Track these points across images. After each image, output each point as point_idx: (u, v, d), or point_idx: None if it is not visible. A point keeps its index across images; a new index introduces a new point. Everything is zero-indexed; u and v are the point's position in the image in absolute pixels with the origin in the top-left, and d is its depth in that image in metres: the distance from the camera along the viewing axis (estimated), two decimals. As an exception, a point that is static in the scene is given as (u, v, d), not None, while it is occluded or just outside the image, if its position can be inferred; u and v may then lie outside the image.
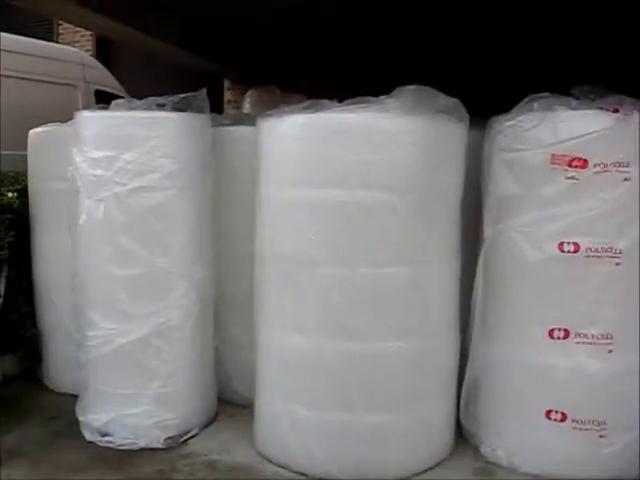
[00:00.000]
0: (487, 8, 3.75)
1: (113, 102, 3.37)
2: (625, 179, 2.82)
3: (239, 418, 3.44)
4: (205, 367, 3.40)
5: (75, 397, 3.37)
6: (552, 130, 2.84)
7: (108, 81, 6.08)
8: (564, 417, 2.91)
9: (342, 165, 2.79)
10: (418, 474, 2.96)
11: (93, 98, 5.66)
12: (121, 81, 6.26)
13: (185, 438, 3.27)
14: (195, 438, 3.30)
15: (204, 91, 3.26)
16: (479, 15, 3.87)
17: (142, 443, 3.17)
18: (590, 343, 2.86)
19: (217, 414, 3.52)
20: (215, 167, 3.36)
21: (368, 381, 2.85)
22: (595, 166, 2.80)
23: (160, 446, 3.18)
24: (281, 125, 2.94)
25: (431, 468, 3.01)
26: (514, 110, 2.93)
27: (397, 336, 2.84)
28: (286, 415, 2.99)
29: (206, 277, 3.32)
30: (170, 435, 3.22)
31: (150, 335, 3.15)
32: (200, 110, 3.26)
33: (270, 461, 3.07)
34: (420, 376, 2.92)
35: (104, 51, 8.78)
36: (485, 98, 3.30)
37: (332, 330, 2.86)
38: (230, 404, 3.60)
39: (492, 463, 3.06)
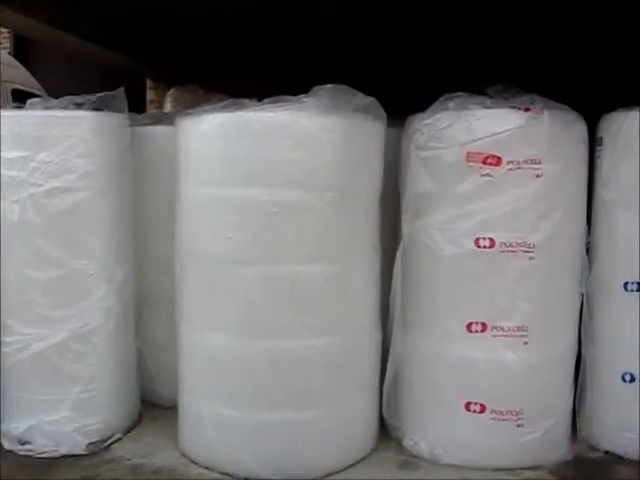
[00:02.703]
0: (405, 10, 3.81)
1: (28, 101, 3.27)
2: (537, 176, 2.90)
3: (163, 420, 3.41)
4: (127, 370, 3.34)
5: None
6: (467, 129, 2.90)
7: (26, 80, 5.90)
8: (483, 408, 2.98)
9: (261, 164, 2.78)
10: (343, 470, 2.98)
11: (10, 97, 5.49)
12: (43, 81, 6.10)
13: (108, 443, 3.20)
14: (119, 442, 3.24)
15: (122, 90, 3.21)
16: (398, 17, 3.92)
17: (63, 450, 3.10)
18: (506, 336, 2.94)
19: (141, 417, 3.47)
20: (134, 167, 3.31)
21: (290, 379, 2.86)
22: (508, 163, 2.88)
23: (82, 452, 3.11)
24: (199, 124, 2.92)
25: (356, 463, 3.03)
26: (430, 109, 2.99)
27: (319, 333, 2.85)
28: (209, 415, 2.97)
29: (126, 278, 3.27)
30: (92, 440, 3.15)
31: (69, 339, 3.07)
32: (118, 109, 3.21)
33: (195, 462, 3.04)
34: (342, 373, 2.94)
35: (23, 50, 8.52)
36: (408, 97, 3.34)
37: (253, 329, 2.86)
38: (154, 406, 3.55)
39: (415, 456, 3.11)
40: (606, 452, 3.17)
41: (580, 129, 3.04)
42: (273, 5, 3.77)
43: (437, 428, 3.08)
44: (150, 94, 6.01)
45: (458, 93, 2.98)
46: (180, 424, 3.16)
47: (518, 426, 2.99)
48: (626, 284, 3.04)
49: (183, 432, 3.15)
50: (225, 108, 2.91)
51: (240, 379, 2.88)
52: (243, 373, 2.87)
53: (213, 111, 2.92)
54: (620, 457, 3.12)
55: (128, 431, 3.34)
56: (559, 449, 3.09)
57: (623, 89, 3.51)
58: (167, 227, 3.15)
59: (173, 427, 3.21)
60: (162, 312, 3.36)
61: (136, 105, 3.35)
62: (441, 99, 2.99)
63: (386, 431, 3.23)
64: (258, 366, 2.85)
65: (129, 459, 3.11)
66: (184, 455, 3.11)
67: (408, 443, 3.14)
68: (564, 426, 3.12)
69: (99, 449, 3.16)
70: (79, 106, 3.11)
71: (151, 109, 6.00)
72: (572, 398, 3.17)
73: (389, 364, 3.08)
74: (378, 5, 3.72)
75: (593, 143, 3.13)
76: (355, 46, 4.50)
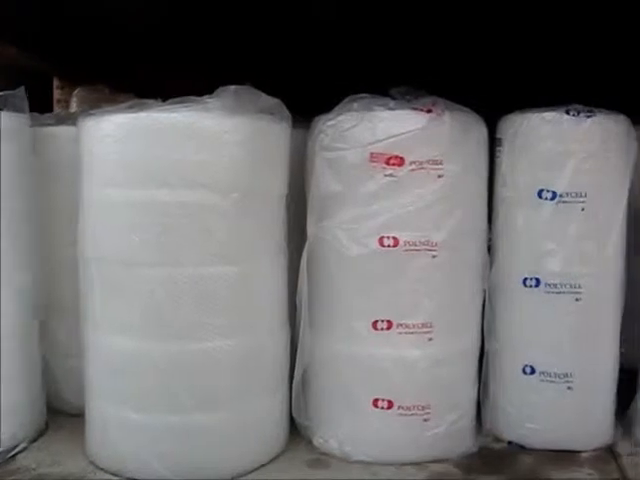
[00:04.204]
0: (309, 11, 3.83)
1: None
2: (439, 176, 2.96)
3: (71, 428, 3.32)
4: (32, 378, 3.24)
5: None
6: (370, 129, 2.94)
7: None
8: (390, 405, 3.03)
9: (164, 165, 2.76)
10: (253, 470, 2.98)
11: None
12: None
13: (13, 453, 3.11)
14: (24, 452, 3.14)
15: (22, 89, 3.11)
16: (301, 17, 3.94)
17: (-35, 462, 3.00)
18: (411, 333, 2.99)
19: (47, 425, 3.38)
20: (37, 168, 3.22)
21: (198, 381, 2.84)
22: (411, 164, 2.93)
23: (-14, 463, 3.02)
24: (101, 125, 2.87)
25: (266, 464, 3.04)
26: (335, 110, 3.02)
27: (225, 335, 2.84)
28: (116, 420, 2.92)
29: (29, 283, 3.17)
30: (-4, 451, 3.07)
31: (-31, 348, 2.98)
32: (19, 109, 3.11)
33: (102, 469, 2.98)
34: (250, 374, 2.94)
35: None
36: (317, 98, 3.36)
37: (159, 331, 2.83)
38: (62, 414, 3.45)
39: (325, 454, 3.13)
40: (509, 442, 3.27)
41: (480, 130, 3.12)
42: (181, 3, 3.74)
43: (346, 426, 3.11)
44: (57, 93, 5.84)
45: (362, 94, 3.03)
46: (87, 431, 3.10)
47: (425, 421, 3.05)
48: (525, 280, 3.15)
49: (90, 438, 3.09)
50: (129, 108, 2.87)
51: (146, 382, 2.85)
52: (149, 376, 2.84)
53: (116, 111, 2.87)
54: (522, 447, 3.23)
55: (34, 440, 3.25)
56: (464, 442, 3.17)
57: (522, 91, 3.64)
58: (72, 230, 3.08)
59: (80, 434, 3.15)
60: (68, 317, 3.27)
61: (44, 105, 3.25)
62: (345, 100, 3.03)
63: (297, 430, 3.25)
64: (164, 369, 2.82)
65: (34, 469, 3.03)
66: (91, 462, 3.04)
67: (318, 441, 3.16)
68: (469, 419, 3.21)
69: (4, 459, 3.06)
70: (-23, 107, 3.01)
71: (59, 109, 5.85)
72: (476, 392, 3.26)
73: (297, 364, 3.09)
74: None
75: (493, 144, 3.22)
76: (267, 45, 4.50)
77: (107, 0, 3.71)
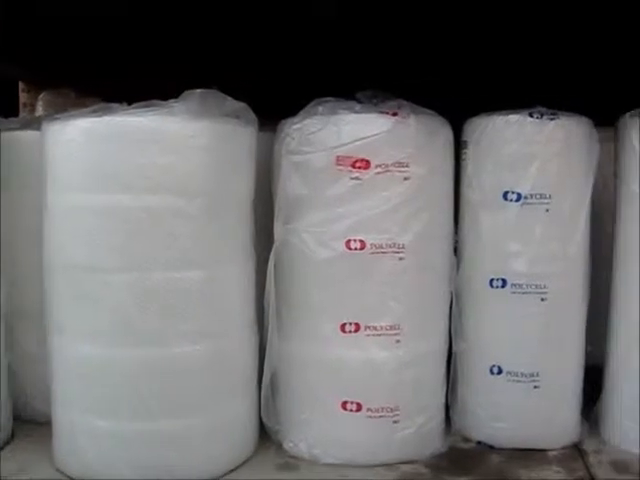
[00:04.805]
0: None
1: None
2: (405, 178, 2.98)
3: (38, 437, 3.27)
4: (-3, 386, 3.21)
5: None
6: (336, 133, 2.95)
7: None
8: (359, 407, 3.04)
9: (129, 170, 2.74)
10: (222, 475, 2.97)
11: None
12: None
13: (-21, 463, 3.08)
14: (-10, 463, 3.12)
15: (-16, 93, 3.09)
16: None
17: None
18: (379, 335, 3.01)
19: (14, 434, 3.34)
20: (1, 174, 3.19)
21: (165, 387, 2.82)
22: (377, 167, 2.95)
23: (-50, 475, 2.98)
24: (65, 129, 2.84)
25: (235, 468, 3.03)
26: (301, 113, 3.03)
27: (193, 339, 2.84)
28: (84, 428, 2.89)
29: (-8, 291, 3.14)
30: (-39, 462, 3.02)
31: None
32: (-18, 114, 3.09)
33: (70, 477, 2.96)
34: (219, 378, 2.93)
35: None
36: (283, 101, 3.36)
37: (126, 337, 2.81)
38: (29, 422, 3.40)
39: (295, 457, 3.13)
40: (478, 442, 3.30)
41: (446, 133, 3.15)
42: (147, 6, 3.71)
43: (315, 429, 3.12)
44: (23, 97, 5.75)
45: (328, 98, 3.04)
46: (55, 439, 3.07)
47: (394, 422, 3.07)
48: (491, 281, 3.18)
49: (57, 447, 3.05)
50: (93, 113, 2.85)
51: (113, 389, 2.83)
52: (116, 383, 2.82)
53: (80, 116, 2.85)
54: (491, 446, 3.26)
55: (0, 449, 3.21)
56: (434, 442, 3.20)
57: (487, 94, 3.68)
58: (38, 236, 3.05)
59: (48, 442, 3.11)
60: (33, 324, 3.23)
61: (9, 109, 3.21)
62: (311, 104, 3.04)
63: (267, 434, 3.24)
64: (131, 375, 2.80)
65: (0, 478, 2.98)
66: (59, 470, 3.01)
67: (288, 445, 3.16)
68: (438, 420, 3.23)
69: (-31, 470, 3.03)
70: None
71: (24, 113, 5.77)
72: (445, 392, 3.28)
73: (265, 367, 3.09)
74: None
75: (459, 146, 3.25)
76: (233, 48, 4.49)
77: (73, 3, 3.68)
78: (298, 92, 3.31)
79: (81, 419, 2.91)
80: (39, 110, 5.08)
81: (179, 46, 4.51)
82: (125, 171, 2.75)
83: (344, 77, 4.16)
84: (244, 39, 4.41)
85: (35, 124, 3.39)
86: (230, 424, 3.03)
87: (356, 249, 2.96)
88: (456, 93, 4.12)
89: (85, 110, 2.90)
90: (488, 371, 3.23)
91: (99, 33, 4.16)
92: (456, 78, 4.37)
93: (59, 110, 3.42)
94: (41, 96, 5.11)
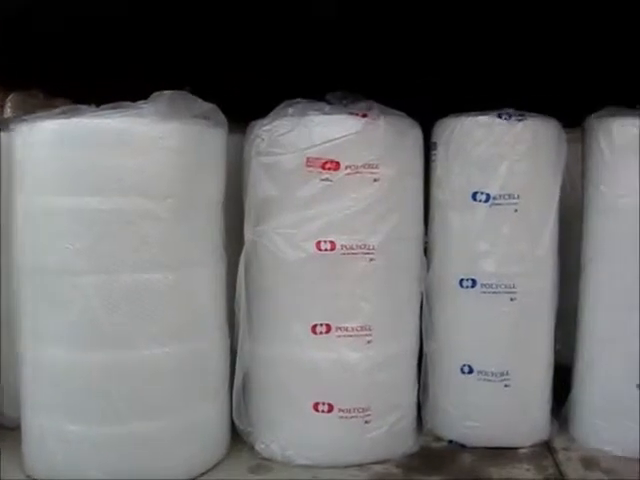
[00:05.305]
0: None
1: None
2: (375, 180, 3.00)
3: (8, 442, 3.22)
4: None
5: None
6: (306, 134, 2.96)
7: None
8: (331, 408, 3.04)
9: (97, 172, 2.73)
10: (195, 478, 2.96)
11: None
12: None
13: (-54, 471, 3.04)
14: (-42, 470, 3.08)
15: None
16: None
17: None
18: (350, 336, 3.01)
19: (-17, 440, 3.31)
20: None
21: (135, 390, 2.81)
22: (347, 168, 2.96)
23: None
24: (33, 131, 2.83)
25: (207, 471, 3.02)
26: (270, 115, 3.03)
27: (162, 342, 2.82)
28: (53, 432, 2.87)
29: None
30: None
31: None
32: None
33: (40, 483, 2.94)
34: (189, 381, 2.92)
35: None
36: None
37: (94, 340, 2.78)
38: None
39: (268, 459, 3.13)
40: (450, 441, 3.33)
41: (415, 134, 3.17)
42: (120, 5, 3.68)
43: (287, 430, 3.12)
44: (-9, 99, 5.70)
45: (298, 99, 3.04)
46: (24, 444, 3.03)
47: (366, 422, 3.08)
48: (461, 281, 3.21)
49: (27, 452, 3.02)
50: (62, 114, 2.83)
51: (82, 393, 2.80)
52: (85, 386, 2.80)
53: (48, 117, 2.84)
54: (463, 445, 3.29)
55: (-31, 456, 3.18)
56: (406, 442, 3.21)
57: (458, 95, 3.70)
58: (6, 239, 3.03)
59: (18, 448, 3.07)
60: (4, 328, 3.20)
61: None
62: (281, 105, 3.04)
63: (239, 436, 3.24)
64: (100, 378, 2.78)
65: (-31, 485, 2.96)
66: (29, 477, 2.98)
67: (260, 447, 3.16)
68: (409, 420, 3.25)
69: None
70: None
71: (-7, 115, 5.70)
72: (416, 392, 3.30)
73: (237, 369, 3.08)
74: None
75: (428, 148, 3.27)
76: (208, 49, 4.47)
77: (41, 3, 3.64)
78: (271, 94, 3.31)
79: (50, 423, 2.88)
80: (8, 111, 5.02)
81: (152, 47, 4.48)
82: (93, 173, 2.73)
83: (314, 78, 4.15)
84: (224, 40, 4.39)
85: (3, 126, 3.36)
86: (201, 426, 3.01)
87: (326, 250, 2.96)
88: (426, 94, 4.13)
89: (53, 112, 2.88)
90: (459, 370, 3.25)
91: (68, 33, 4.12)
92: (426, 79, 4.39)
93: (28, 111, 3.40)
94: (9, 97, 5.06)
